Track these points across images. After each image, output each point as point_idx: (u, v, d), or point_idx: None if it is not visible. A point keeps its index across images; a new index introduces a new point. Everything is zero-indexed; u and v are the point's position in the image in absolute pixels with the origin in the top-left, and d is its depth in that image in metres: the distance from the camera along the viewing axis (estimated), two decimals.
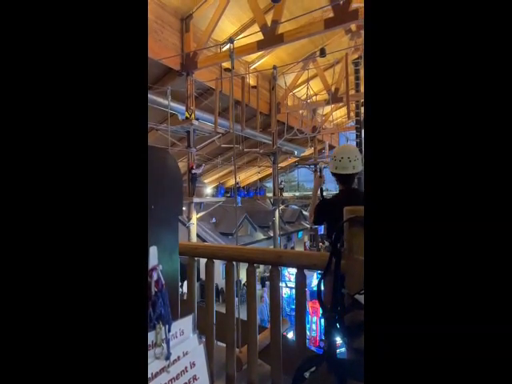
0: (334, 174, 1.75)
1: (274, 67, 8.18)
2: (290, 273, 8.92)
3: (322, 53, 7.57)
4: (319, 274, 1.44)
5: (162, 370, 0.63)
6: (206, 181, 13.60)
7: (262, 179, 14.83)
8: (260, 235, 14.75)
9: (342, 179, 1.72)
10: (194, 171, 6.94)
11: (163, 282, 0.59)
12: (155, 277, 0.57)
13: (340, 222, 1.03)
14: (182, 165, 9.31)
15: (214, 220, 13.48)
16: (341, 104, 10.26)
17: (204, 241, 11.08)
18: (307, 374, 1.20)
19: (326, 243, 1.60)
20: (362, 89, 9.00)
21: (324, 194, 1.76)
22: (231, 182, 13.25)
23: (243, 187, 12.21)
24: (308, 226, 14.15)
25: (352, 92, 9.05)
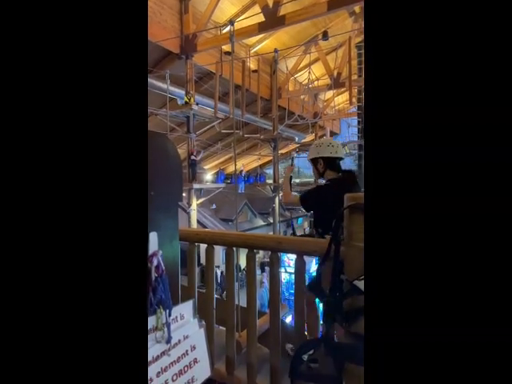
0: (326, 161, 1.88)
1: (276, 50, 7.99)
2: (290, 258, 9.01)
3: (325, 36, 7.38)
4: (318, 260, 1.45)
5: (163, 353, 0.64)
6: (205, 167, 13.56)
7: (262, 166, 14.78)
8: (260, 221, 14.83)
9: (336, 165, 1.88)
10: (193, 157, 6.91)
11: (163, 267, 0.59)
12: (155, 262, 0.58)
13: (339, 209, 1.04)
14: (182, 151, 9.27)
15: (214, 206, 13.52)
16: (343, 89, 10.10)
17: (204, 227, 11.16)
18: (305, 357, 1.23)
19: (320, 231, 1.68)
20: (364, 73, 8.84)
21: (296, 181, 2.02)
22: (231, 169, 13.21)
23: (241, 173, 12.17)
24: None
25: (354, 77, 8.89)
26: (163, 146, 0.67)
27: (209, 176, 13.02)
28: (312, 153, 1.94)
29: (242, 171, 11.15)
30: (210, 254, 1.56)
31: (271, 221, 10.92)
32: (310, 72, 8.33)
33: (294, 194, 2.25)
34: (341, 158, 1.91)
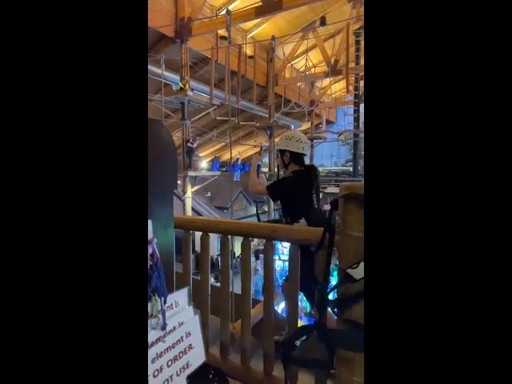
0: (292, 155, 2.02)
1: (273, 38, 7.82)
2: (284, 246, 9.09)
3: (323, 22, 7.24)
4: (312, 249, 1.47)
5: (158, 339, 0.65)
6: (200, 154, 13.43)
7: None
8: (255, 210, 14.88)
9: (301, 159, 2.04)
10: (189, 144, 6.84)
11: (158, 255, 0.59)
12: (150, 250, 0.57)
13: (304, 199, 1.06)
14: (176, 138, 9.16)
15: (209, 194, 13.48)
16: (340, 77, 9.99)
17: (199, 214, 11.16)
18: (298, 343, 1.26)
19: (289, 220, 1.85)
20: (362, 61, 8.74)
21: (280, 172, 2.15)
22: (226, 156, 13.13)
23: (237, 161, 12.09)
24: None
25: (352, 65, 8.78)
26: (158, 133, 0.66)
27: (204, 163, 12.93)
28: (281, 143, 2.04)
29: (238, 159, 11.08)
30: (204, 241, 1.56)
31: (266, 209, 10.97)
32: (307, 59, 8.20)
33: (261, 182, 2.39)
34: (305, 155, 2.07)
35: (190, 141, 6.82)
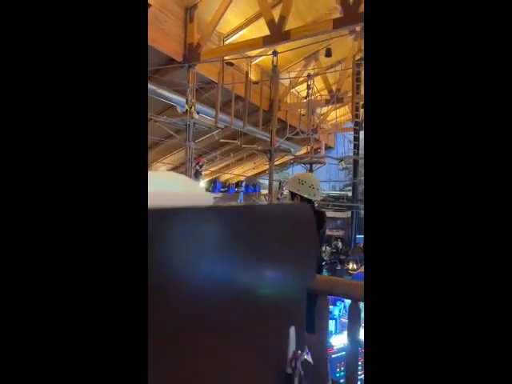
0: (302, 199, 1.97)
1: (274, 53, 7.82)
2: None
3: (328, 53, 7.49)
4: None
5: None
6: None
7: (257, 175, 14.75)
8: None
9: (311, 205, 2.02)
10: (197, 167, 6.82)
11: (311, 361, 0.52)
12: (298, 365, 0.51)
13: None
14: (176, 157, 9.11)
15: None
16: (339, 104, 10.27)
17: None
18: None
19: None
20: (362, 91, 9.01)
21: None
22: (225, 177, 13.12)
23: (237, 183, 12.07)
24: None
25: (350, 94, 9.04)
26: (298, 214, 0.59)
27: (202, 184, 12.84)
28: (293, 186, 2.02)
29: (242, 182, 11.06)
30: None
31: None
32: (311, 83, 8.40)
33: None
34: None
35: (200, 163, 6.80)
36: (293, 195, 2.00)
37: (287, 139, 10.10)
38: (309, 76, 8.47)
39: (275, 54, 7.86)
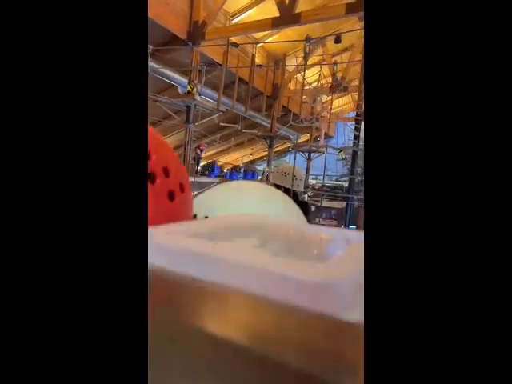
0: (286, 191, 2.03)
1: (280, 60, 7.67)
2: None
3: (337, 39, 7.32)
4: None
5: None
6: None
7: (253, 161, 14.64)
8: None
9: (295, 196, 2.09)
10: (198, 151, 6.71)
11: None
12: None
13: None
14: (178, 137, 8.92)
15: None
16: (343, 93, 10.15)
17: None
18: None
19: None
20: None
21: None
22: (223, 161, 12.97)
23: (234, 168, 11.94)
24: None
25: (356, 82, 8.94)
26: None
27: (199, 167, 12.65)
28: (276, 179, 2.10)
29: (241, 167, 10.95)
30: None
31: None
32: (320, 73, 8.24)
33: None
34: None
35: (201, 148, 6.68)
36: (277, 187, 2.09)
37: (289, 126, 10.00)
38: (335, 63, 8.29)
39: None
